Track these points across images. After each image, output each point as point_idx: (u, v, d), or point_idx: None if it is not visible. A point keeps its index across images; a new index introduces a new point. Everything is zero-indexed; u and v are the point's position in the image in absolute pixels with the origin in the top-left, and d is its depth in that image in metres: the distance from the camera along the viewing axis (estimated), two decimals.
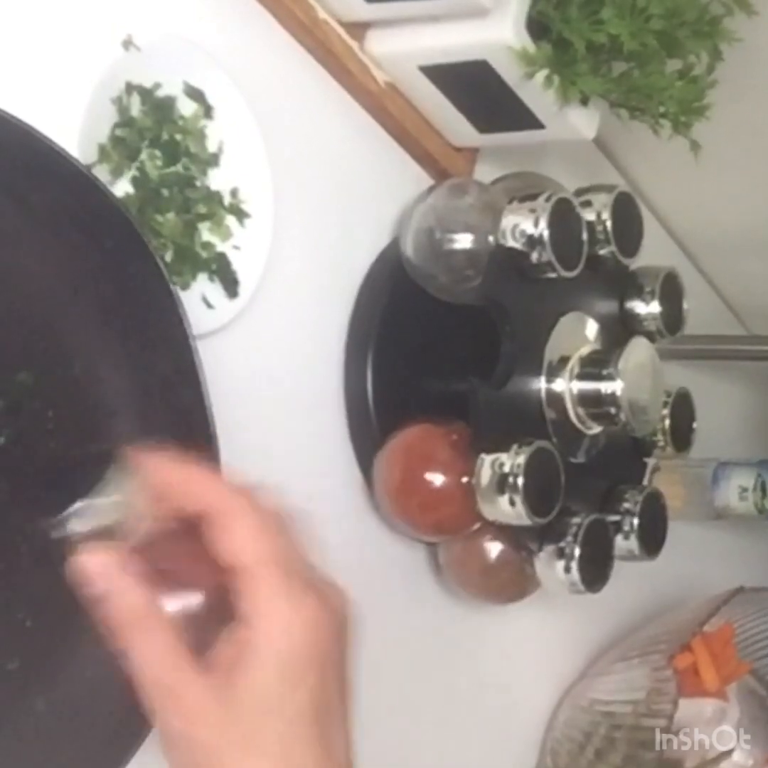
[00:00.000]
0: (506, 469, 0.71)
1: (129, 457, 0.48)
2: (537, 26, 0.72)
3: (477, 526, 0.75)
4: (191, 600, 0.49)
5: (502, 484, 0.71)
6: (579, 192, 0.80)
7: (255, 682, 0.45)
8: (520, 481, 0.70)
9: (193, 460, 0.49)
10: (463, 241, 0.75)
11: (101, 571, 0.46)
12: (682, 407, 0.86)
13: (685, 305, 0.86)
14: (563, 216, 0.74)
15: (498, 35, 0.71)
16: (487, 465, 0.72)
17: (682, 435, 0.86)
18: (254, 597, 0.46)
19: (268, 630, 0.46)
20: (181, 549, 0.49)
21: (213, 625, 0.48)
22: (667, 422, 0.84)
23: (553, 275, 0.74)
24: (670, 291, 0.84)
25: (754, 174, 1.08)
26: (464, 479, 0.73)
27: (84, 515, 0.47)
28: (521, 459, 0.71)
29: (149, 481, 0.48)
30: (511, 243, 0.73)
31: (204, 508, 0.47)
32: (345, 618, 0.48)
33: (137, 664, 0.45)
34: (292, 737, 0.45)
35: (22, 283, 0.55)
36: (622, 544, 0.81)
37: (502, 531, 0.76)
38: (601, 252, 0.79)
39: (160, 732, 0.46)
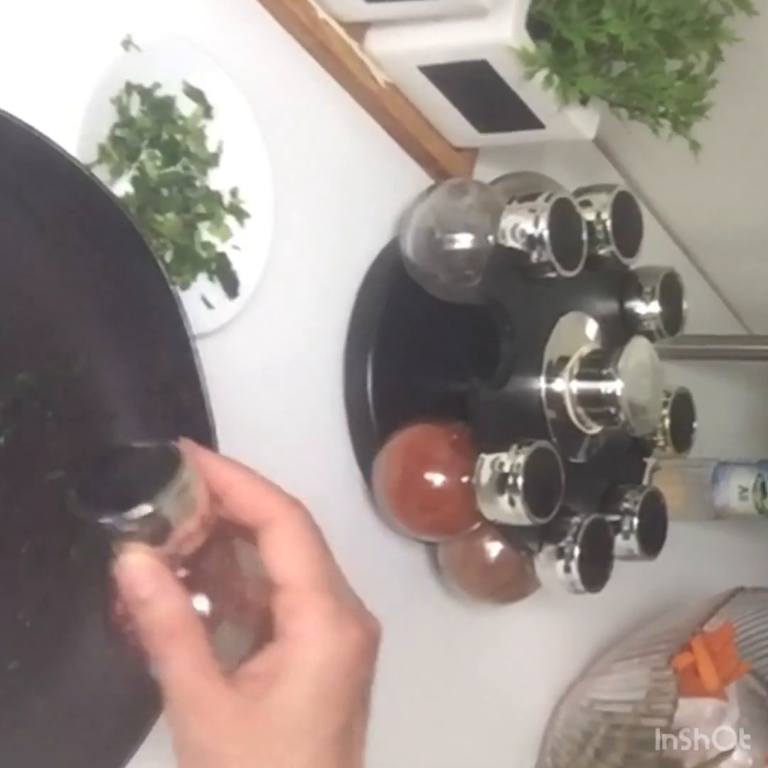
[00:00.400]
0: (506, 468, 0.71)
1: (186, 454, 0.48)
2: (537, 26, 0.72)
3: (477, 526, 0.75)
4: (228, 610, 0.48)
5: (501, 483, 0.71)
6: (579, 192, 0.80)
7: (292, 703, 0.45)
8: (520, 480, 0.70)
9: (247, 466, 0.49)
10: (463, 241, 0.75)
11: (147, 575, 0.45)
12: (682, 407, 0.86)
13: (685, 305, 0.86)
14: (563, 216, 0.74)
15: (498, 35, 0.71)
16: (486, 465, 0.72)
17: (682, 435, 0.86)
18: (302, 618, 0.46)
19: (313, 653, 0.46)
20: (225, 557, 0.48)
21: (246, 638, 0.47)
22: (667, 422, 0.84)
23: (552, 275, 0.74)
24: (670, 291, 0.84)
25: (754, 174, 1.08)
26: (464, 479, 0.73)
27: (138, 516, 0.45)
28: (521, 459, 0.71)
29: (206, 482, 0.47)
30: (510, 243, 0.73)
31: (259, 516, 0.47)
32: (378, 643, 0.49)
33: (168, 671, 0.45)
34: (324, 760, 0.46)
35: (21, 283, 0.55)
36: (622, 543, 0.81)
37: (501, 531, 0.76)
38: (601, 252, 0.79)
39: (180, 742, 0.46)
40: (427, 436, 0.75)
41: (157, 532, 0.46)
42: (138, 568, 0.45)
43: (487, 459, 0.72)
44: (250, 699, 0.45)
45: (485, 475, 0.72)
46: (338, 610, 0.47)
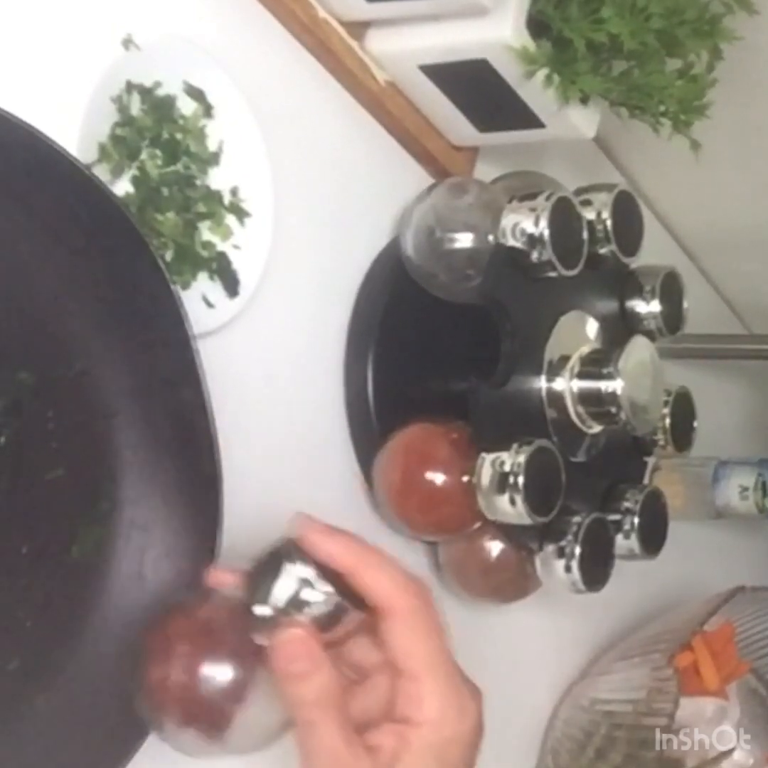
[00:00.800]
0: (507, 468, 0.71)
1: (302, 543, 0.51)
2: (537, 25, 0.72)
3: (477, 525, 0.75)
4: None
5: (502, 483, 0.71)
6: (579, 191, 0.80)
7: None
8: (521, 480, 0.70)
9: (365, 545, 0.52)
10: (464, 240, 0.75)
11: (305, 651, 0.50)
12: (683, 406, 0.86)
13: (686, 304, 0.86)
14: (563, 215, 0.74)
15: (498, 34, 0.71)
16: (487, 464, 0.72)
17: (682, 434, 0.86)
18: (424, 706, 0.51)
19: (436, 737, 0.51)
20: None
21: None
22: (668, 421, 0.84)
23: (553, 274, 0.74)
24: (671, 290, 0.84)
25: (754, 174, 1.08)
26: (465, 478, 0.73)
27: (293, 603, 0.50)
28: (522, 458, 0.70)
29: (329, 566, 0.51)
30: (511, 242, 0.73)
31: (379, 603, 0.51)
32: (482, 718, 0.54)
33: (317, 737, 0.50)
34: None
35: (22, 282, 0.55)
36: (622, 543, 0.81)
37: (502, 530, 0.76)
38: (602, 251, 0.79)
39: None
40: (427, 436, 0.75)
41: (309, 617, 0.50)
42: (295, 643, 0.50)
43: (488, 458, 0.72)
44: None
45: (486, 474, 0.72)
46: (456, 694, 0.52)
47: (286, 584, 0.50)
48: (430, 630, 0.51)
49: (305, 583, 0.50)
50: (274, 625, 0.50)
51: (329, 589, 0.50)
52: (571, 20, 0.72)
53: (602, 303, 0.83)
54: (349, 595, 0.51)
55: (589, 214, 0.78)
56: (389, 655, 0.51)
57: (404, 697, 0.51)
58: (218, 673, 0.51)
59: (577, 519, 0.76)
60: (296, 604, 0.50)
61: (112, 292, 0.57)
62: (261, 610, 0.50)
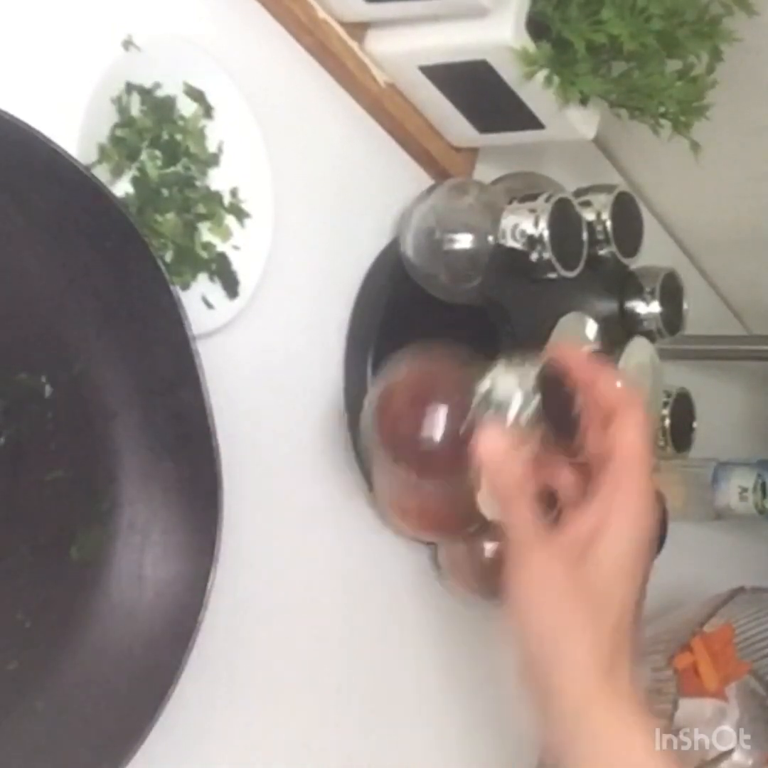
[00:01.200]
0: None
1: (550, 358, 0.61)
2: (537, 26, 0.72)
3: (477, 526, 0.75)
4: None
5: None
6: (579, 192, 0.80)
7: (602, 563, 0.55)
8: None
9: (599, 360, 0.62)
10: (463, 241, 0.75)
11: (500, 450, 0.58)
12: (682, 407, 0.86)
13: (685, 305, 0.86)
14: (563, 216, 0.74)
15: (498, 35, 0.71)
16: None
17: (682, 435, 0.86)
18: (626, 493, 0.56)
19: (627, 520, 0.56)
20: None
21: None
22: (667, 422, 0.84)
23: (553, 275, 0.74)
24: (670, 291, 0.84)
25: (754, 174, 1.08)
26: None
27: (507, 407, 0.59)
28: None
29: (570, 378, 0.60)
30: (511, 243, 0.73)
31: (613, 404, 0.59)
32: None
33: (508, 523, 0.57)
34: (616, 628, 0.54)
35: (22, 283, 0.55)
36: None
37: (502, 531, 0.76)
38: (601, 252, 0.79)
39: (511, 570, 0.57)
40: None
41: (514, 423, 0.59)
42: (492, 443, 0.58)
43: None
44: (568, 554, 0.55)
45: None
46: (650, 492, 0.57)
47: (506, 384, 0.59)
48: (644, 428, 0.58)
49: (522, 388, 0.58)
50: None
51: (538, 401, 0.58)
52: (571, 21, 0.72)
53: (602, 304, 0.83)
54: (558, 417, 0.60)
55: (589, 215, 0.78)
56: (609, 447, 0.58)
57: (612, 485, 0.57)
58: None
59: None
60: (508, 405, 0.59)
61: (112, 293, 0.57)
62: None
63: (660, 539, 0.84)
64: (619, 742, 0.53)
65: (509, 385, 0.59)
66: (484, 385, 0.60)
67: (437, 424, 0.65)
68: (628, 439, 0.58)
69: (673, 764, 0.55)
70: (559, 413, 0.60)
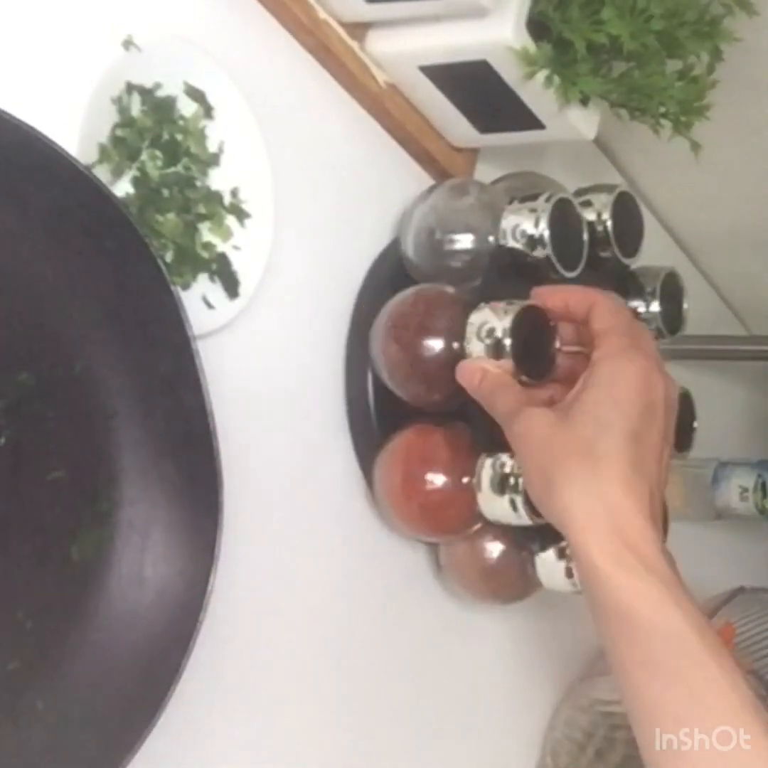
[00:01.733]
0: (507, 469, 0.71)
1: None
2: (537, 26, 0.72)
3: (478, 526, 0.75)
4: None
5: (503, 484, 0.71)
6: (579, 192, 0.80)
7: (589, 400, 0.60)
8: (521, 481, 0.70)
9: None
10: (464, 241, 0.75)
11: (481, 366, 0.67)
12: (683, 407, 0.86)
13: (686, 305, 0.86)
14: (564, 216, 0.74)
15: (498, 35, 0.71)
16: (487, 465, 0.72)
17: (682, 435, 0.86)
18: (601, 348, 0.62)
19: (606, 367, 0.61)
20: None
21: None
22: None
23: (553, 276, 0.74)
24: (671, 291, 0.84)
25: (754, 174, 1.08)
26: (465, 480, 0.73)
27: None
28: None
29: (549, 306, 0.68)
30: (511, 243, 0.73)
31: (587, 303, 0.66)
32: (670, 390, 0.62)
33: (496, 407, 0.65)
34: (619, 447, 0.58)
35: (22, 283, 0.55)
36: None
37: (502, 532, 0.76)
38: (602, 252, 0.79)
39: (519, 443, 0.63)
40: (427, 437, 0.75)
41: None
42: (474, 364, 0.68)
43: (488, 459, 0.72)
44: (561, 409, 0.61)
45: (486, 475, 0.72)
46: (631, 346, 0.62)
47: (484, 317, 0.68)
48: (619, 310, 0.65)
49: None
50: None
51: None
52: (572, 21, 0.72)
53: None
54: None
55: (590, 216, 0.78)
56: (592, 329, 0.64)
57: (593, 352, 0.63)
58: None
59: None
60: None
61: (112, 294, 0.57)
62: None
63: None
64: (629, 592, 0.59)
65: (495, 318, 0.68)
66: (477, 316, 0.69)
67: (438, 337, 0.71)
68: (600, 320, 0.64)
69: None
70: (537, 350, 0.68)
